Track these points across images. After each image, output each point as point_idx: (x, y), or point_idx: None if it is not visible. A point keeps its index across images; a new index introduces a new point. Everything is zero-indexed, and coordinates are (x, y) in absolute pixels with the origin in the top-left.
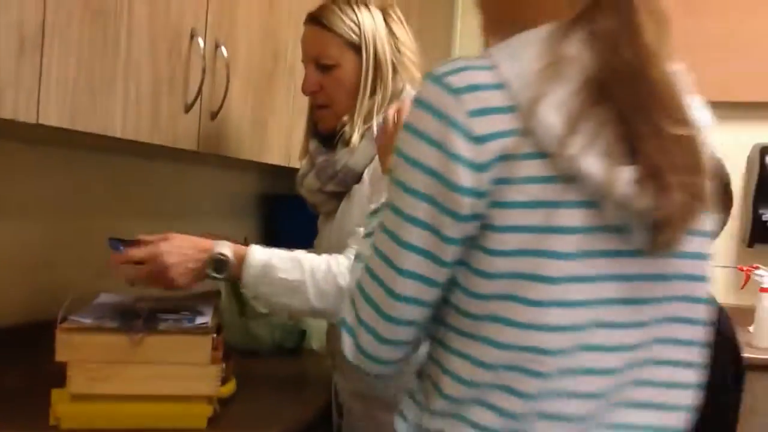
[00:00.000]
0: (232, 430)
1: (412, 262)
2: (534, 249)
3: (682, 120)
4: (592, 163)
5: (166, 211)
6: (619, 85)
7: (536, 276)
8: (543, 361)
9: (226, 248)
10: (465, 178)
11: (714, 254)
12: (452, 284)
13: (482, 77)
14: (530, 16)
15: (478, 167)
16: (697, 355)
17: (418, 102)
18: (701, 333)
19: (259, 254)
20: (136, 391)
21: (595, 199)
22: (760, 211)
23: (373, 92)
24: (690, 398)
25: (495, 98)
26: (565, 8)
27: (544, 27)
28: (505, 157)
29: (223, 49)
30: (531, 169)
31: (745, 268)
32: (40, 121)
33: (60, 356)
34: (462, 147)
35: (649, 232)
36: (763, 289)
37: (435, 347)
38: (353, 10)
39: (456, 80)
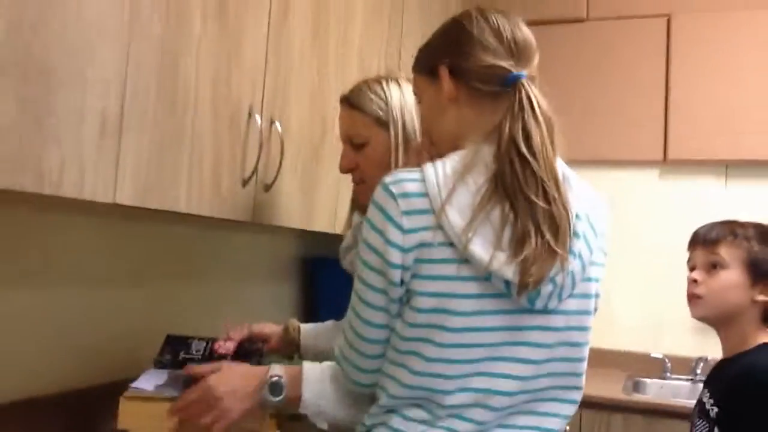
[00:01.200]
0: None
1: (374, 315)
2: (441, 308)
3: (552, 198)
4: (480, 251)
5: (213, 276)
6: (511, 176)
7: (443, 327)
8: (446, 384)
9: (278, 369)
10: (395, 257)
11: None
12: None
13: (412, 187)
14: (460, 144)
15: (405, 250)
16: (576, 390)
17: (372, 200)
18: (580, 368)
19: (312, 370)
20: None
21: (484, 274)
22: None
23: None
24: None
25: (419, 203)
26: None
27: (469, 147)
28: (423, 245)
29: (278, 124)
30: (440, 253)
31: None
32: (116, 201)
33: (122, 424)
34: (394, 236)
35: (520, 289)
36: None
37: (380, 379)
38: (382, 88)
39: (395, 189)
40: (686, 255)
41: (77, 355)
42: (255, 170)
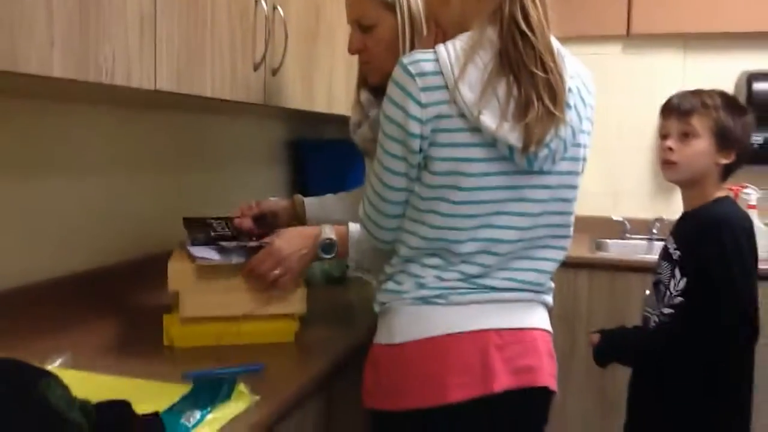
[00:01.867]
0: (312, 342)
1: (395, 180)
2: (455, 171)
3: (550, 68)
4: (488, 121)
5: (209, 160)
6: (514, 51)
7: (456, 186)
8: (459, 235)
9: (329, 231)
10: (415, 128)
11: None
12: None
13: (428, 66)
14: (467, 27)
15: (424, 122)
16: (566, 238)
17: (392, 79)
18: (569, 220)
19: (356, 231)
20: (238, 312)
21: (491, 141)
22: None
23: (412, 47)
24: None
25: (435, 80)
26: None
27: (474, 29)
28: (439, 116)
29: (280, 9)
30: (454, 124)
31: (734, 188)
32: (157, 88)
33: (172, 286)
34: (414, 109)
35: (522, 153)
36: (750, 206)
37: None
38: None
39: (413, 68)
40: (647, 126)
41: (99, 236)
42: (264, 55)
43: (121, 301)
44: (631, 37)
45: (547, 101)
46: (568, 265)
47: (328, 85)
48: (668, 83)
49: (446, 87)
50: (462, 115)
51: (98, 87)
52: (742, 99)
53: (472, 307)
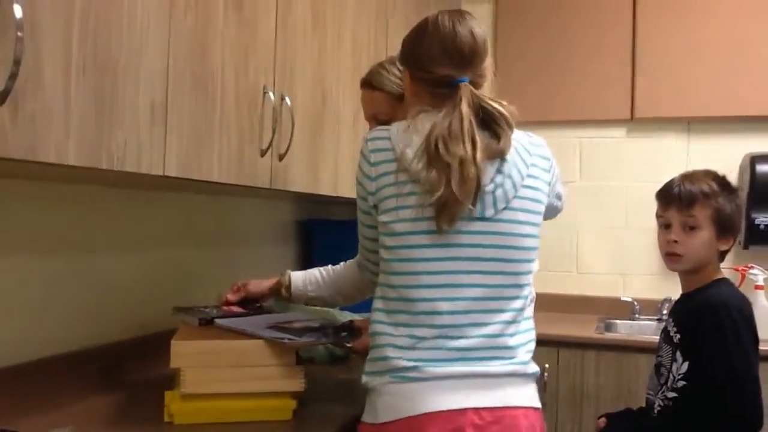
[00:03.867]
0: (310, 420)
1: (365, 231)
2: (397, 219)
3: (462, 150)
4: (423, 173)
5: (218, 240)
6: (435, 150)
7: (392, 232)
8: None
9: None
10: (369, 185)
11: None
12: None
13: (381, 143)
14: (412, 111)
15: (373, 179)
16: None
17: (361, 149)
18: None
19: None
20: (237, 389)
21: (426, 190)
22: (753, 216)
23: None
24: None
25: (384, 145)
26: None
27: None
28: (387, 173)
29: (287, 99)
30: (399, 177)
31: (740, 269)
32: (165, 174)
33: (174, 363)
34: (367, 169)
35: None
36: (757, 287)
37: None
38: (397, 68)
39: (371, 143)
40: (653, 208)
41: (104, 313)
42: (271, 142)
43: (123, 378)
44: (635, 121)
45: (459, 179)
46: (575, 345)
47: (333, 169)
48: (673, 165)
49: (395, 153)
50: (405, 170)
51: (108, 171)
52: (745, 180)
53: (451, 382)
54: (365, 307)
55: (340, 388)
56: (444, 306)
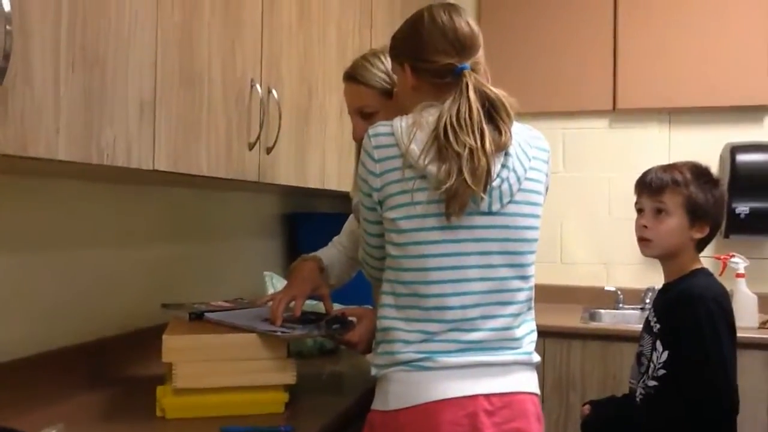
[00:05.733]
0: (302, 412)
1: (370, 227)
2: (405, 215)
3: (472, 139)
4: (431, 168)
5: (203, 234)
6: (444, 138)
7: (400, 229)
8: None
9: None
10: (374, 182)
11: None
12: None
13: (385, 139)
14: (414, 107)
15: (378, 175)
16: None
17: (363, 145)
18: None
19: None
20: (229, 383)
21: (434, 186)
22: (734, 205)
23: None
24: None
25: (389, 141)
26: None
27: (418, 108)
28: (392, 169)
29: (275, 92)
30: (405, 173)
31: (722, 257)
32: (155, 168)
33: (166, 358)
34: (371, 166)
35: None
36: (738, 275)
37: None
38: (381, 61)
39: (374, 139)
40: (633, 198)
41: (93, 309)
42: (259, 135)
43: (114, 374)
44: (617, 112)
45: (467, 168)
46: (560, 335)
47: (321, 161)
48: (654, 156)
49: (400, 147)
50: (411, 165)
51: (98, 166)
52: (726, 170)
53: (462, 371)
54: (355, 299)
55: (331, 380)
56: (453, 301)
